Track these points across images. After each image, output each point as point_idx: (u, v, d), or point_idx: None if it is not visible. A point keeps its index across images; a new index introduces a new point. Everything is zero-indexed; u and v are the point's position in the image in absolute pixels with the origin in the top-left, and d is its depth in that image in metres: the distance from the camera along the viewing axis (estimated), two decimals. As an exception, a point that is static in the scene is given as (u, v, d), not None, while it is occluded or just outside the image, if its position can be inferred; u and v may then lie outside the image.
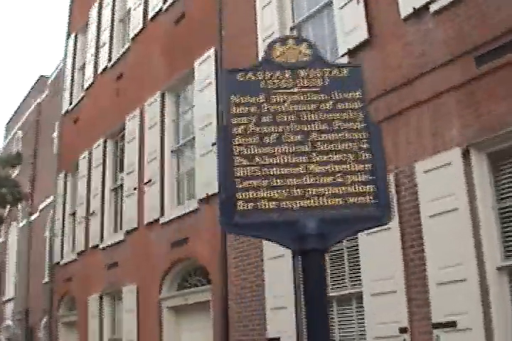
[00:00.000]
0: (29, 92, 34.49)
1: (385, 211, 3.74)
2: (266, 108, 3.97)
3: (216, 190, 12.15)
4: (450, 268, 7.60)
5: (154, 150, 15.16)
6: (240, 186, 3.77)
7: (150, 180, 14.98)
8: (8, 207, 24.09)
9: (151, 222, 14.74)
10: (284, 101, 4.03)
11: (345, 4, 10.22)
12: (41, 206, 30.63)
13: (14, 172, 28.40)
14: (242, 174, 3.80)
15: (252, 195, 3.74)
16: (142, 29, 17.10)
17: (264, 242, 10.75)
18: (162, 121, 15.20)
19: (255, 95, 4.03)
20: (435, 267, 7.82)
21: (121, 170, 17.38)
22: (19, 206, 27.20)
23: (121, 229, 16.63)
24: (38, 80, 33.07)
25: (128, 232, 15.87)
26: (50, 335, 20.72)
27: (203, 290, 12.76)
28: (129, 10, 18.59)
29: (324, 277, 3.61)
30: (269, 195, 3.76)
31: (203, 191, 12.82)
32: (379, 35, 9.50)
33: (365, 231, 7.94)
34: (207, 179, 12.73)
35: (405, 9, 8.95)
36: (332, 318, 9.43)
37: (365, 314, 8.89)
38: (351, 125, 3.98)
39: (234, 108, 4.01)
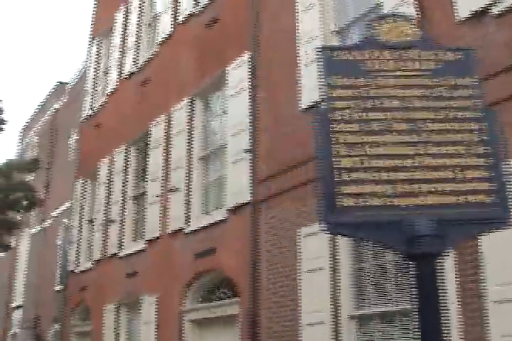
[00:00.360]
0: (46, 98, 34.17)
1: (508, 212, 3.22)
2: (368, 91, 3.45)
3: (248, 199, 11.69)
4: None
5: (181, 158, 14.66)
6: (340, 179, 3.23)
7: (175, 188, 14.46)
8: (22, 212, 23.48)
9: (175, 231, 14.23)
10: (389, 85, 3.51)
11: (396, 8, 9.72)
12: (55, 213, 30.19)
13: (28, 178, 27.93)
14: (342, 165, 3.26)
15: (355, 189, 3.21)
16: (171, 33, 16.66)
17: (301, 254, 10.26)
18: (190, 128, 14.71)
19: (356, 77, 3.52)
20: None
21: (144, 177, 16.88)
22: (32, 212, 26.68)
23: (142, 237, 16.10)
24: (56, 86, 32.72)
25: (149, 241, 15.34)
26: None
27: (230, 303, 12.19)
28: (158, 14, 18.18)
29: (438, 285, 3.09)
30: (374, 189, 3.23)
31: (233, 200, 12.32)
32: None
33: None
34: (238, 187, 12.26)
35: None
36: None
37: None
38: (467, 114, 3.46)
39: (331, 91, 3.50)
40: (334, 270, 9.69)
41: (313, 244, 10.03)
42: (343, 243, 9.70)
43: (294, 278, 10.41)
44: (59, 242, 30.60)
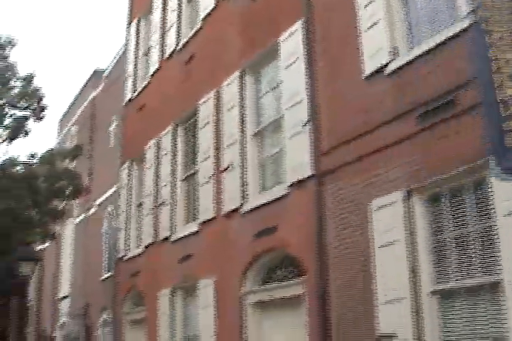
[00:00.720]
0: (83, 87, 33.86)
1: None
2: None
3: (310, 173, 11.06)
4: None
5: (233, 135, 14.03)
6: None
7: (229, 166, 13.86)
8: (67, 200, 23.11)
9: (231, 211, 13.62)
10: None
11: None
12: (98, 201, 29.88)
13: (71, 167, 27.59)
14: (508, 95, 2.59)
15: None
16: (214, 8, 15.97)
17: (374, 228, 9.60)
18: (241, 103, 14.05)
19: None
20: None
21: (194, 157, 16.31)
22: (77, 200, 26.36)
23: (195, 219, 15.55)
24: (92, 74, 32.36)
25: (204, 223, 14.77)
26: (115, 333, 19.68)
27: (295, 283, 11.54)
28: (199, -10, 17.52)
29: None
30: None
31: (294, 175, 11.67)
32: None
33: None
34: (298, 162, 11.62)
35: None
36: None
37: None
38: None
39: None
40: (411, 242, 9.00)
41: (387, 217, 9.37)
42: (420, 213, 9.03)
43: (366, 253, 9.74)
44: (104, 230, 30.32)
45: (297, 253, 11.47)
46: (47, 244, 42.43)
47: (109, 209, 29.85)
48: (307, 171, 11.29)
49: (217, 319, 13.68)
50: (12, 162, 21.52)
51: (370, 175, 9.89)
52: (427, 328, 8.60)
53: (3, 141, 21.93)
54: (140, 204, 19.41)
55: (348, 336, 9.98)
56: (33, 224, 21.14)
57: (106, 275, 29.10)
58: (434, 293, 8.73)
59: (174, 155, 17.07)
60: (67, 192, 21.94)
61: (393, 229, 9.23)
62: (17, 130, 22.12)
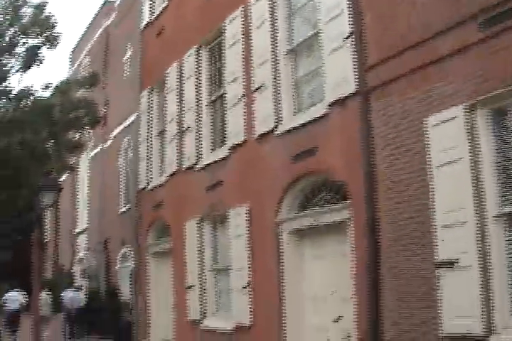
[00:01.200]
0: (95, 17, 32.83)
1: None
2: None
3: (353, 90, 10.16)
4: None
5: (264, 53, 13.02)
6: None
7: (261, 87, 12.94)
8: (84, 130, 22.31)
9: (264, 134, 12.75)
10: None
11: None
12: (114, 133, 29.15)
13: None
14: None
15: None
16: None
17: (431, 146, 8.70)
18: (273, 18, 12.98)
19: None
20: None
21: (220, 79, 15.38)
22: (92, 132, 25.61)
23: (223, 144, 14.72)
24: (103, 4, 31.29)
25: (233, 147, 13.93)
26: (138, 266, 19.11)
27: (338, 208, 10.73)
28: None
29: None
30: None
31: (335, 93, 10.74)
32: None
33: None
34: (339, 78, 10.68)
35: None
36: None
37: None
38: None
39: None
40: (474, 161, 8.11)
41: (446, 133, 8.45)
42: (483, 129, 8.13)
43: (422, 173, 8.86)
44: (121, 162, 29.66)
45: (340, 176, 10.62)
46: (62, 178, 41.98)
47: (125, 140, 29.13)
48: (350, 88, 10.36)
49: (250, 249, 12.97)
50: (27, 92, 20.62)
51: (425, 89, 8.94)
52: (492, 254, 7.79)
53: (17, 71, 20.97)
54: (162, 132, 18.58)
55: (401, 263, 9.21)
56: (50, 156, 20.37)
57: (124, 209, 28.59)
58: (499, 216, 7.89)
59: (198, 78, 16.14)
60: (84, 121, 21.06)
61: (454, 147, 8.33)
62: (30, 59, 21.14)
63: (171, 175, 17.04)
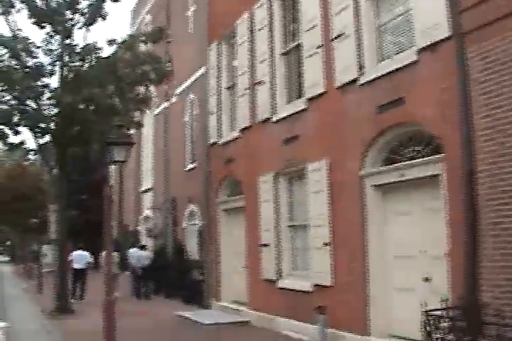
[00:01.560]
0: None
1: None
2: None
3: (447, 34, 9.37)
4: None
5: (344, -1, 12.28)
6: None
7: (341, 35, 12.20)
8: (153, 84, 21.81)
9: (346, 84, 12.05)
10: None
11: None
12: (179, 90, 28.69)
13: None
14: None
15: None
16: None
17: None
18: (353, -39, 12.19)
19: None
20: None
21: (295, 29, 14.66)
22: (158, 88, 25.14)
23: (300, 96, 14.06)
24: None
25: (311, 99, 13.28)
26: (209, 224, 18.71)
27: (429, 162, 10.00)
28: None
29: None
30: None
31: (426, 38, 9.95)
32: None
33: None
34: (429, 22, 9.87)
35: None
36: None
37: None
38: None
39: None
40: None
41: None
42: None
43: (529, 121, 8.14)
44: (187, 119, 29.25)
45: (432, 127, 9.89)
46: (131, 132, 41.82)
47: (191, 96, 28.67)
48: (443, 32, 9.57)
49: (330, 205, 12.39)
50: (92, 48, 20.14)
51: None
52: None
53: (81, 27, 20.48)
54: (232, 86, 17.99)
55: (502, 220, 8.50)
56: (117, 112, 19.94)
57: (191, 166, 28.25)
58: None
59: (270, 29, 15.42)
60: (150, 77, 20.54)
61: None
62: (94, 14, 20.58)
63: (244, 129, 16.48)
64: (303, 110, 13.59)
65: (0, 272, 51.70)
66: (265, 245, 14.94)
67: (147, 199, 37.20)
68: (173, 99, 27.79)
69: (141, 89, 21.69)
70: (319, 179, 12.72)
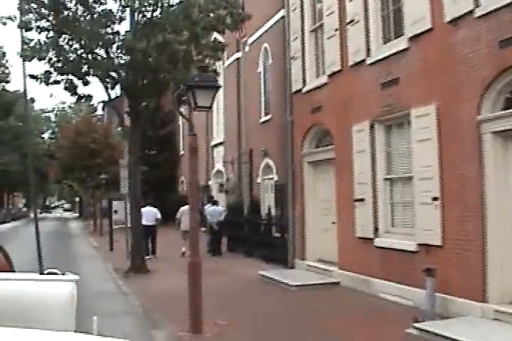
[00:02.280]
0: None
1: None
2: None
3: None
4: None
5: None
6: None
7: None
8: (229, 29, 20.42)
9: (457, 18, 10.54)
10: None
11: None
12: (252, 38, 27.42)
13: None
14: None
15: None
16: None
17: None
18: None
19: None
20: None
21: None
22: (236, 32, 23.83)
23: (400, 35, 12.59)
24: None
25: (414, 37, 11.79)
26: (293, 178, 17.43)
27: None
28: None
29: None
30: None
31: None
32: None
33: None
34: None
35: None
36: None
37: None
38: None
39: None
40: None
41: None
42: None
43: None
44: (261, 69, 28.02)
45: None
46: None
47: (265, 45, 27.35)
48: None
49: (439, 155, 11.00)
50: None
51: None
52: None
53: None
54: (318, 28, 16.54)
55: None
56: (191, 59, 18.71)
57: (266, 118, 27.06)
58: None
59: (363, -39, 13.89)
60: (225, 22, 19.17)
61: None
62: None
63: (333, 74, 15.05)
64: (404, 50, 12.11)
65: (69, 229, 51.62)
66: (360, 200, 13.64)
67: (218, 154, 36.33)
68: (247, 49, 26.48)
69: (216, 35, 20.45)
70: (427, 126, 11.31)
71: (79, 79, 18.46)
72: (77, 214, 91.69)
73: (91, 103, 77.94)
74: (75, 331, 3.57)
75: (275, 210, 21.26)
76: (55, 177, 55.67)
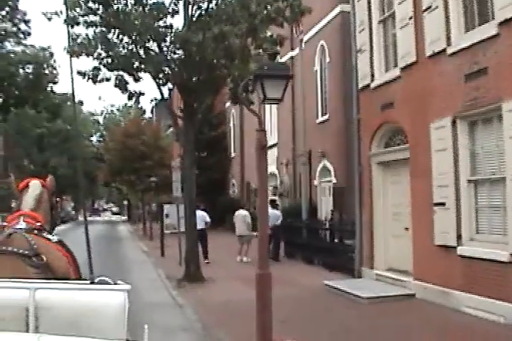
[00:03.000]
0: None
1: None
2: None
3: None
4: None
5: None
6: None
7: None
8: (288, 23, 19.23)
9: None
10: None
11: None
12: (308, 36, 26.46)
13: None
14: None
15: None
16: None
17: None
18: None
19: None
20: None
21: None
22: (297, 25, 22.66)
23: (488, 20, 11.28)
24: None
25: (505, 22, 10.51)
26: (360, 180, 16.16)
27: None
28: None
29: None
30: None
31: None
32: None
33: None
34: None
35: None
36: None
37: None
38: None
39: None
40: None
41: None
42: None
43: None
44: (317, 67, 27.04)
45: None
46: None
47: (321, 42, 26.39)
48: None
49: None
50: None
51: None
52: None
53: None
54: (387, 18, 15.30)
55: None
56: (249, 53, 17.58)
57: (323, 118, 26.05)
58: None
59: None
60: (285, 15, 17.99)
61: None
62: None
63: (407, 66, 13.77)
64: (493, 36, 10.81)
65: (118, 232, 50.88)
66: (441, 204, 12.33)
67: (271, 156, 35.37)
68: (303, 46, 25.35)
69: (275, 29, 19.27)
70: (521, 121, 10.04)
71: (130, 75, 17.49)
72: (125, 218, 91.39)
73: (140, 105, 77.69)
74: (127, 340, 3.60)
75: (333, 214, 20.05)
76: (104, 180, 55.13)
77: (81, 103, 68.52)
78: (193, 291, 15.66)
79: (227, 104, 43.50)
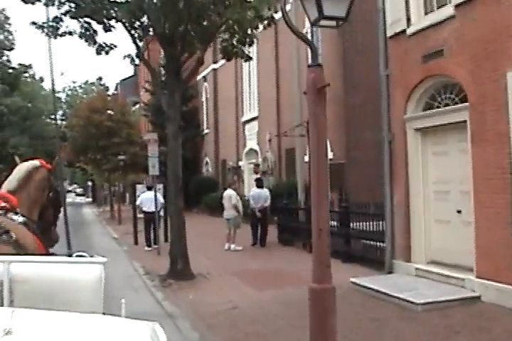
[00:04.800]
0: None
1: None
2: None
3: None
4: None
5: None
6: None
7: None
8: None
9: None
10: None
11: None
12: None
13: None
14: None
15: None
16: None
17: None
18: None
19: None
20: None
21: None
22: None
23: None
24: None
25: None
26: (389, 152, 12.97)
27: None
28: None
29: None
30: None
31: None
32: None
33: None
34: None
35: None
36: None
37: None
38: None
39: None
40: None
41: None
42: None
43: None
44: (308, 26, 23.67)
45: None
46: (219, 64, 36.65)
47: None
48: None
49: None
50: None
51: None
52: None
53: None
54: None
55: None
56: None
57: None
58: None
59: None
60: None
61: None
62: None
63: (463, 3, 10.57)
64: None
65: (83, 216, 47.29)
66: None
67: (251, 130, 32.39)
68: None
69: None
70: None
71: (99, 23, 14.15)
72: (90, 199, 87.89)
73: (103, 82, 73.70)
74: (103, 313, 3.44)
75: (341, 194, 16.91)
76: (67, 159, 51.49)
77: (41, 79, 64.25)
78: (182, 293, 12.44)
79: (199, 76, 40.35)
